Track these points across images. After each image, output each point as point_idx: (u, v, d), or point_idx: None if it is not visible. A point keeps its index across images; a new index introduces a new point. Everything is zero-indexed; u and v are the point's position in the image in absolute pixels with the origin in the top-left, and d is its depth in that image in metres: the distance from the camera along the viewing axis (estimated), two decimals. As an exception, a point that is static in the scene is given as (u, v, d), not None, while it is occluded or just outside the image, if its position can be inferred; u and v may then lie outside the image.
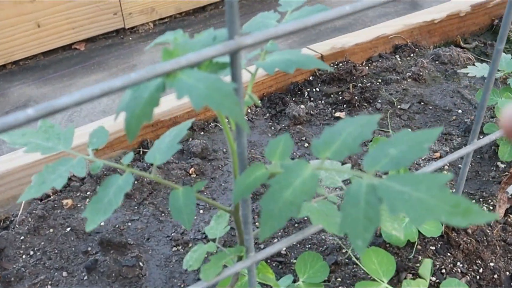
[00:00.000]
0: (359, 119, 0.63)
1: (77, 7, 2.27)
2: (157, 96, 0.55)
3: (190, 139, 1.57)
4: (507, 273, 1.16)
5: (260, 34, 0.55)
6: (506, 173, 1.40)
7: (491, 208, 1.29)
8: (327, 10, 0.77)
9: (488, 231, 1.21)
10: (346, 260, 1.17)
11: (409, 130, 1.12)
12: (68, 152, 0.75)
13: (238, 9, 0.54)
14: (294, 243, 1.24)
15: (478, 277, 1.14)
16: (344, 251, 1.19)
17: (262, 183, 0.65)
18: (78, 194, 1.39)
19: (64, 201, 1.36)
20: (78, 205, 1.36)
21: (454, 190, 1.17)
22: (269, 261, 1.21)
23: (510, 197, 1.27)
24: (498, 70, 1.43)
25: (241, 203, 0.73)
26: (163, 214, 1.36)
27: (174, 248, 1.27)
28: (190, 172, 1.44)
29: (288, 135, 0.69)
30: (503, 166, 1.43)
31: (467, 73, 1.46)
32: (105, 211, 0.71)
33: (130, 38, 2.58)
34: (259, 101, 0.76)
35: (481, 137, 1.41)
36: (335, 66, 1.77)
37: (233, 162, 0.73)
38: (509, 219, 1.26)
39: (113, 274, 1.19)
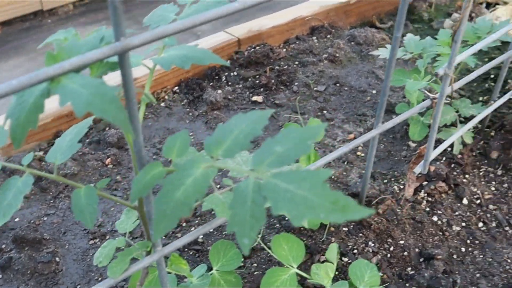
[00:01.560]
0: (251, 115, 0.64)
1: (-9, -11, 2.20)
2: (41, 102, 0.55)
3: (107, 128, 1.55)
4: (416, 249, 1.20)
5: (147, 34, 0.56)
6: (417, 151, 1.44)
7: (402, 187, 1.33)
8: (221, 4, 0.77)
9: (398, 210, 1.25)
10: (262, 245, 1.19)
11: (297, 126, 1.14)
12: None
13: (123, 11, 0.53)
14: (211, 231, 1.25)
15: (388, 255, 1.18)
16: (260, 236, 1.21)
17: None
18: (-10, 190, 1.35)
19: (-24, 198, 1.32)
20: (-9, 202, 1.33)
21: (364, 172, 1.21)
22: (186, 249, 1.22)
23: (419, 176, 1.31)
24: (409, 52, 1.46)
25: (144, 200, 0.73)
26: (80, 207, 1.34)
27: (92, 241, 1.26)
28: (107, 162, 1.43)
29: (186, 131, 0.70)
30: (414, 145, 1.47)
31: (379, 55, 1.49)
32: (5, 215, 0.70)
33: (49, 21, 2.52)
34: (155, 100, 0.76)
35: (393, 116, 1.45)
36: (253, 50, 1.77)
37: (133, 159, 0.73)
38: (418, 197, 1.30)
39: (29, 272, 1.18)
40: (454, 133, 1.34)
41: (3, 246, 1.23)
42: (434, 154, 1.24)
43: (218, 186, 1.36)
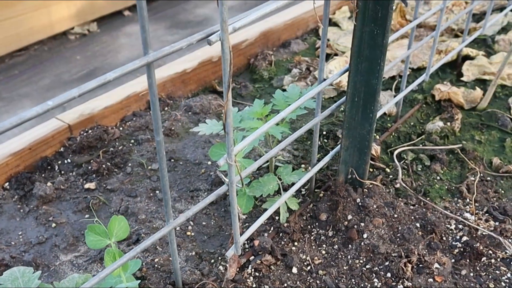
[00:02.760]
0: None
1: None
2: None
3: None
4: (242, 332, 1.19)
5: None
6: (246, 224, 1.44)
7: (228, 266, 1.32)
8: None
9: (220, 293, 1.23)
10: None
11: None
12: None
13: None
14: None
15: None
16: None
17: None
18: None
19: None
20: None
21: (191, 253, 1.19)
22: None
23: (245, 251, 1.31)
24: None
25: None
26: None
27: None
28: None
29: None
30: (244, 217, 1.47)
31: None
32: None
33: None
34: None
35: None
36: (85, 134, 1.74)
37: None
38: (245, 274, 1.29)
39: None
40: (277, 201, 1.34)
41: None
42: (252, 229, 1.24)
43: None
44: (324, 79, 1.31)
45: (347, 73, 1.32)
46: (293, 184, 1.41)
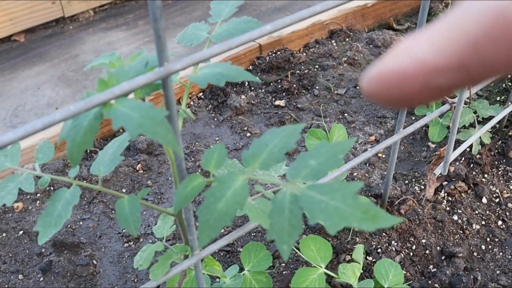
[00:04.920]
0: (285, 129, 0.69)
1: (13, -3, 2.26)
2: (96, 124, 0.60)
3: (136, 134, 1.60)
4: (438, 247, 1.25)
5: (188, 59, 0.61)
6: (436, 153, 1.49)
7: (422, 187, 1.38)
8: (253, 24, 0.83)
9: (420, 210, 1.30)
10: (289, 246, 1.24)
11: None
12: (15, 168, 0.80)
13: (166, 39, 0.58)
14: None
15: (411, 253, 1.23)
16: (287, 237, 1.26)
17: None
18: (28, 197, 1.42)
19: (15, 205, 1.39)
20: (29, 208, 1.40)
21: (385, 173, 1.26)
22: (216, 251, 1.27)
23: (439, 176, 1.36)
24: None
25: (183, 208, 0.78)
26: (113, 212, 1.40)
27: (126, 244, 1.32)
28: (137, 168, 1.49)
29: (222, 144, 0.75)
30: (433, 146, 1.52)
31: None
32: (56, 224, 0.75)
33: (71, 27, 2.58)
34: (193, 115, 0.82)
35: (413, 118, 1.50)
36: (274, 55, 1.83)
37: (173, 171, 0.78)
38: (439, 197, 1.35)
39: (68, 274, 1.24)
40: (473, 134, 1.38)
41: (43, 250, 1.30)
42: (453, 155, 1.28)
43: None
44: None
45: None
46: (488, 118, 1.43)
